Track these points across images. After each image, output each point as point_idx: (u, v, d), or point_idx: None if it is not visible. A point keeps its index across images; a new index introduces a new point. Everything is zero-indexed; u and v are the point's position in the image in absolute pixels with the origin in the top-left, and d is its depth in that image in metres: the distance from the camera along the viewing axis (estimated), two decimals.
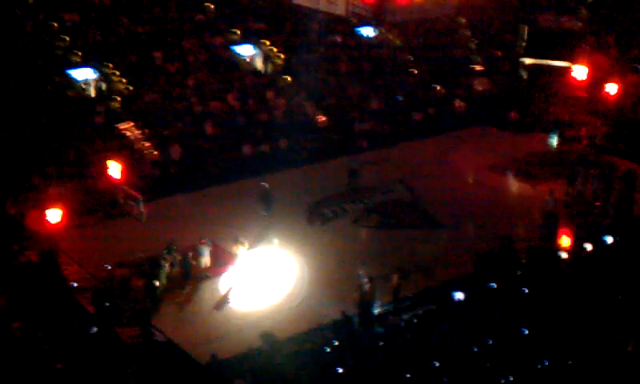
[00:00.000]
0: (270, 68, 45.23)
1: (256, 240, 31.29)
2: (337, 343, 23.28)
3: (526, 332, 22.48)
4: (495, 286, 26.44)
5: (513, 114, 45.65)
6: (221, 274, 29.27)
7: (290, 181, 37.14)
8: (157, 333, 25.26)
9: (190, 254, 29.02)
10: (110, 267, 28.29)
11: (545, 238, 31.12)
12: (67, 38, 41.24)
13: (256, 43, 45.81)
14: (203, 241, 29.46)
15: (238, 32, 46.02)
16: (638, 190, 35.47)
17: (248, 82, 43.55)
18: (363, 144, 41.98)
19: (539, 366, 20.66)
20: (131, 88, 40.58)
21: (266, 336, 24.22)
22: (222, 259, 29.91)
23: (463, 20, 52.91)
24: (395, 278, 27.40)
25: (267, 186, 33.84)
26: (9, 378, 20.85)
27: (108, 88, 40.38)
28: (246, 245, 29.56)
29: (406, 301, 27.47)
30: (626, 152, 40.46)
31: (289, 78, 44.73)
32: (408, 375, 20.69)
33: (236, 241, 29.32)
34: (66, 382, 21.23)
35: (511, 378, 20.18)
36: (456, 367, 20.84)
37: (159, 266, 27.71)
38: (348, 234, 32.94)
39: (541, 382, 20.01)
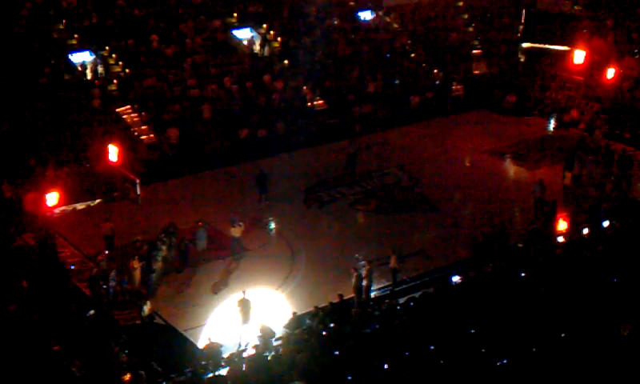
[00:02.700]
0: (267, 51, 45.10)
1: (253, 224, 31.36)
2: (334, 326, 23.32)
3: (521, 315, 22.49)
4: (490, 270, 26.49)
5: (510, 98, 45.61)
6: (218, 257, 29.31)
7: (288, 164, 37.18)
8: (153, 315, 25.28)
9: (188, 237, 29.03)
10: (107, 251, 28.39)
11: (537, 224, 31.20)
12: (64, 21, 41.16)
13: (254, 26, 45.69)
14: (200, 224, 29.47)
15: (236, 15, 45.91)
16: (634, 174, 35.57)
17: (246, 65, 43.46)
18: (361, 128, 41.90)
19: (534, 349, 20.70)
20: (128, 71, 40.50)
21: (263, 321, 24.28)
22: (219, 242, 29.93)
23: (461, 3, 52.76)
24: (392, 261, 27.43)
25: (264, 170, 33.88)
26: (6, 360, 20.87)
27: (105, 71, 40.30)
28: (243, 227, 29.57)
29: (403, 284, 27.52)
30: (623, 136, 40.46)
31: (286, 62, 44.62)
32: (404, 358, 20.73)
33: (233, 223, 29.31)
34: (63, 364, 21.24)
35: (506, 361, 20.21)
36: (452, 350, 20.88)
37: (157, 249, 27.73)
38: (345, 218, 32.96)
39: (536, 365, 20.04)
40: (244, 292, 25.05)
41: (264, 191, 33.48)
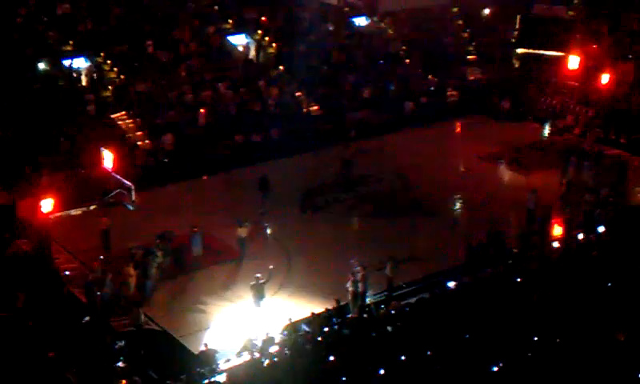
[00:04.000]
0: (262, 57, 45.10)
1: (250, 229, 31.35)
2: (329, 332, 23.30)
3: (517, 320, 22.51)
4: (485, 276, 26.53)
5: (505, 104, 45.64)
6: (213, 263, 29.25)
7: (283, 170, 37.10)
8: (149, 322, 25.24)
9: (183, 243, 28.97)
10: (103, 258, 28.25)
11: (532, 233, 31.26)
12: (59, 27, 41.10)
13: (249, 32, 45.69)
14: (195, 229, 29.43)
15: (231, 21, 45.92)
16: (629, 179, 35.64)
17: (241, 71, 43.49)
18: (356, 133, 41.88)
19: (530, 354, 20.73)
20: (123, 77, 40.46)
21: (259, 326, 24.26)
22: (214, 248, 29.88)
23: (456, 9, 52.84)
24: (388, 270, 27.39)
25: (267, 174, 33.96)
26: (2, 367, 20.83)
27: (100, 77, 40.25)
28: (250, 227, 29.63)
29: (398, 289, 27.49)
30: (619, 141, 40.53)
31: (281, 68, 44.64)
32: (400, 363, 20.74)
33: (240, 224, 29.30)
34: (59, 371, 21.19)
35: (502, 364, 20.24)
36: (448, 355, 20.89)
37: (152, 255, 27.67)
38: (341, 223, 32.93)
39: (531, 369, 20.06)
40: (257, 277, 25.64)
41: (266, 195, 33.51)
